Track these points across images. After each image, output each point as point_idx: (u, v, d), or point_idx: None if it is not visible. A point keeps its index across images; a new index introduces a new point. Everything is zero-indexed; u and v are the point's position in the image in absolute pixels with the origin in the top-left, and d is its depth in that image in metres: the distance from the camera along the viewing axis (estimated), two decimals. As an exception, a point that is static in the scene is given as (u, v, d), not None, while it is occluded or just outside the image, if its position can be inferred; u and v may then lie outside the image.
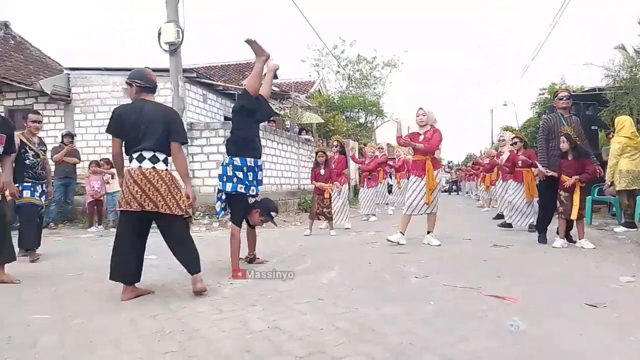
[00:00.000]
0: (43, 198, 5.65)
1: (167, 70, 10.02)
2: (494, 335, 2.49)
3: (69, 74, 12.07)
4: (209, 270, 4.42)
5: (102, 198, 8.89)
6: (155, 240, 3.62)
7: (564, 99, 5.86)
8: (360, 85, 25.24)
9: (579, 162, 5.55)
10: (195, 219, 9.46)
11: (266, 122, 16.15)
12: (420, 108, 5.97)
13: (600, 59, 25.00)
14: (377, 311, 2.95)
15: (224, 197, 4.33)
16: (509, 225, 7.66)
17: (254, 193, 4.41)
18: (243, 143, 4.32)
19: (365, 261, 4.86)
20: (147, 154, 3.40)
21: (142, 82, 3.52)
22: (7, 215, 4.41)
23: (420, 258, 4.93)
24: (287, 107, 16.02)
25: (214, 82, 13.40)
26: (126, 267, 3.41)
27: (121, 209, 3.42)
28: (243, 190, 4.28)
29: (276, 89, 15.78)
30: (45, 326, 2.82)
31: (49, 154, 6.69)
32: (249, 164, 4.29)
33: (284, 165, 12.76)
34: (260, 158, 4.45)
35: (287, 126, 15.98)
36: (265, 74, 4.50)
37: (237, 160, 4.24)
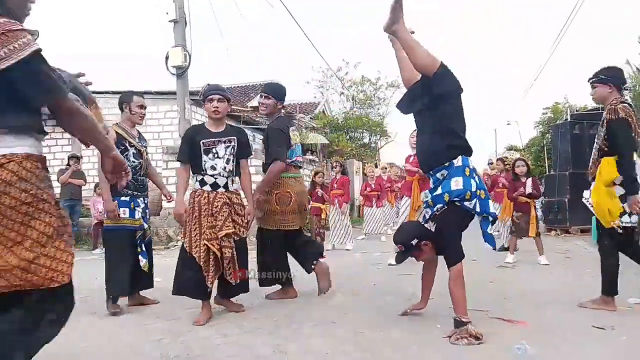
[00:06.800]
0: (146, 214, 4.05)
1: (173, 93, 10.17)
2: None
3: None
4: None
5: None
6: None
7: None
8: (364, 106, 25.41)
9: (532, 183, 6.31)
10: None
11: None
12: (415, 130, 6.04)
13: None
14: (383, 334, 2.93)
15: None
16: (507, 249, 7.62)
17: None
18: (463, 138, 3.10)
19: (370, 283, 4.84)
20: None
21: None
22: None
23: (425, 280, 4.89)
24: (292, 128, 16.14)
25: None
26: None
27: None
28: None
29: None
30: (46, 351, 2.80)
31: (54, 177, 6.18)
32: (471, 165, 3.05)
33: (288, 186, 12.81)
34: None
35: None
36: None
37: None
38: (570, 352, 2.56)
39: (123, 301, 3.87)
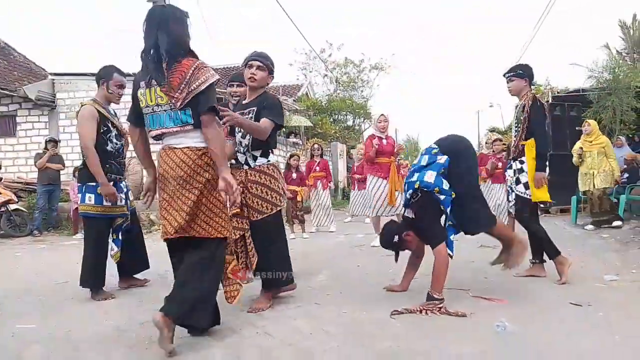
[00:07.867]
0: (128, 200, 3.87)
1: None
2: (480, 337, 2.51)
3: (53, 80, 11.93)
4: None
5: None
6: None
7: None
8: (348, 88, 25.30)
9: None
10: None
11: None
12: (382, 114, 6.02)
13: (585, 60, 25.38)
14: (366, 315, 2.96)
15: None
16: None
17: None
18: None
19: (354, 264, 4.88)
20: None
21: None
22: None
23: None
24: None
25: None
26: None
27: None
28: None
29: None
30: (29, 336, 2.78)
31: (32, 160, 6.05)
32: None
33: (272, 169, 12.77)
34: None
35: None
36: None
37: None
38: (549, 329, 2.62)
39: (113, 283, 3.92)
